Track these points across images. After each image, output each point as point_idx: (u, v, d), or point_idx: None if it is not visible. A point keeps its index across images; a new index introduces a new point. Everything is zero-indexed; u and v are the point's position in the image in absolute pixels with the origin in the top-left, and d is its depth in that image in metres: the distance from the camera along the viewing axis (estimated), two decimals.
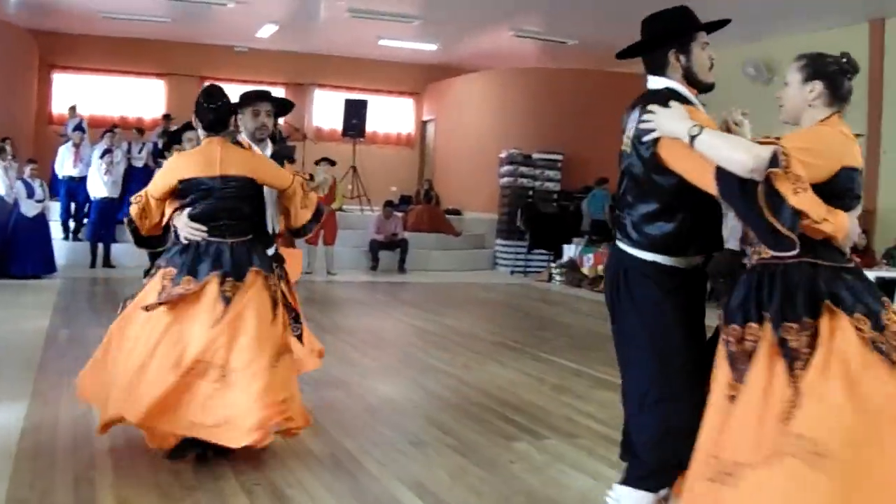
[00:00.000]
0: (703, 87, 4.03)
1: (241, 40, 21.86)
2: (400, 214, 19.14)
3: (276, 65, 22.88)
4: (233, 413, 4.80)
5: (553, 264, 18.31)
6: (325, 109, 24.09)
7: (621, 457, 4.22)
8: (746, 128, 3.94)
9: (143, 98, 22.66)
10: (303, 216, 5.67)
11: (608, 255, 4.19)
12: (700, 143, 3.53)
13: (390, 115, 25.44)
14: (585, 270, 17.19)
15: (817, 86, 3.71)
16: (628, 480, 4.05)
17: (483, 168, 21.02)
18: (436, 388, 7.65)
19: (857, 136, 3.71)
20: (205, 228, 5.22)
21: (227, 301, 5.05)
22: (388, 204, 18.72)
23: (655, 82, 4.01)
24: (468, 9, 17.43)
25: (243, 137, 5.71)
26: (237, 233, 5.32)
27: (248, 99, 5.75)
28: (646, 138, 3.78)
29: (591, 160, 19.72)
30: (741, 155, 3.42)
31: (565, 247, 18.41)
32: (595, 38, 19.00)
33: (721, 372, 3.65)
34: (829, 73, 3.72)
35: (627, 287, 3.92)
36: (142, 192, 5.49)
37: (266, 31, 20.39)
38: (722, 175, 3.49)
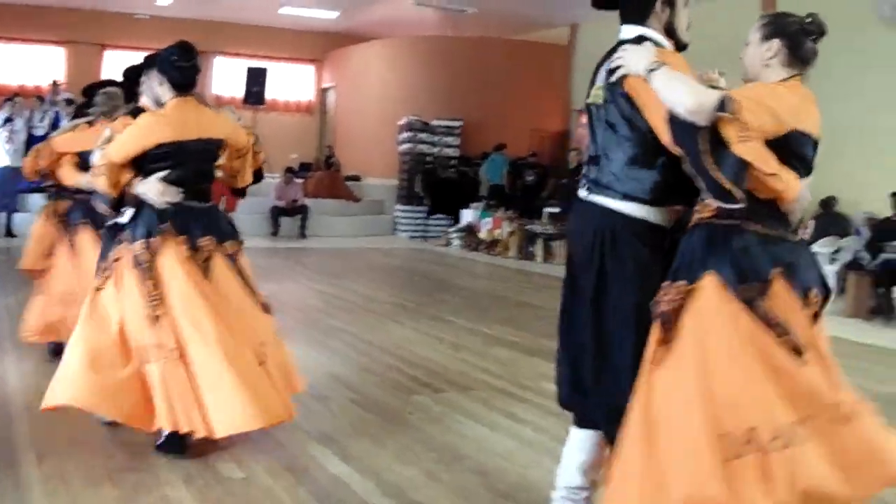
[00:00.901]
0: (680, 45, 3.83)
1: (142, 7, 21.72)
2: (300, 181, 19.25)
3: (177, 32, 22.11)
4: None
5: (451, 229, 18.67)
6: (226, 77, 24.02)
7: (567, 403, 3.98)
8: (722, 86, 3.64)
9: (42, 66, 22.27)
10: (249, 176, 5.54)
11: (580, 214, 3.85)
12: (655, 79, 3.42)
13: (291, 82, 25.52)
14: (483, 235, 17.58)
15: (775, 44, 3.57)
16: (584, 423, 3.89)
17: (383, 135, 21.18)
18: (338, 347, 7.89)
19: None
20: (181, 191, 4.92)
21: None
22: (289, 170, 18.81)
23: (629, 31, 3.78)
24: None
25: (146, 102, 5.38)
26: (209, 197, 5.16)
27: (153, 63, 5.28)
28: (613, 77, 3.62)
29: (490, 127, 20.07)
30: (685, 96, 3.33)
31: (463, 212, 18.77)
32: (495, 6, 19.31)
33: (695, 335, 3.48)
34: (789, 33, 3.57)
35: (615, 249, 3.66)
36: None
37: None
38: (672, 119, 3.39)
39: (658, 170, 3.64)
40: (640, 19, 3.77)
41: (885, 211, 12.75)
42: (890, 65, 14.29)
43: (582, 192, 3.82)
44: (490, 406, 6.13)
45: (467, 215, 18.57)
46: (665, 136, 3.44)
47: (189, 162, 4.96)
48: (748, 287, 3.35)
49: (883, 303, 11.44)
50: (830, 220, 13.99)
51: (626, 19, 3.82)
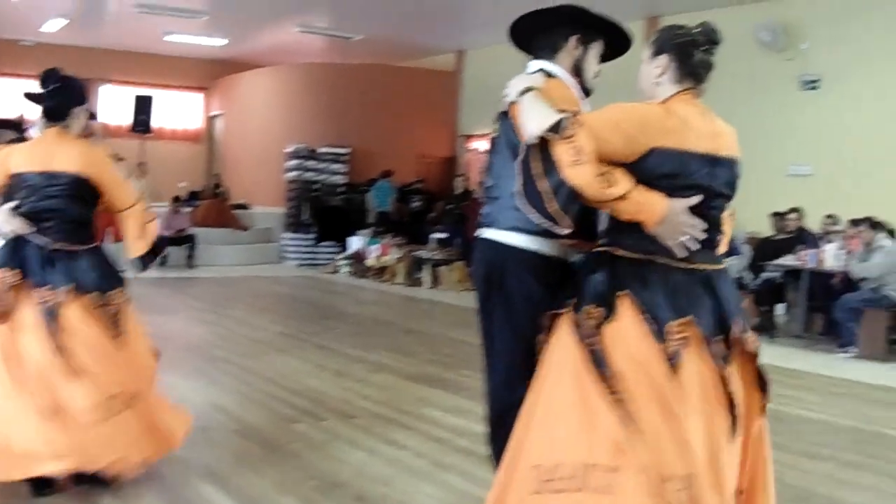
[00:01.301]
0: (585, 90, 3.81)
1: (28, 34, 21.42)
2: (188, 210, 19.08)
3: (63, 59, 22.07)
4: None
5: (339, 256, 18.66)
6: (113, 105, 23.63)
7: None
8: None
9: None
10: (137, 247, 5.12)
11: (477, 250, 3.80)
12: (520, 102, 3.38)
13: (179, 110, 25.36)
14: (370, 261, 17.61)
15: (664, 59, 3.38)
16: None
17: (270, 162, 21.15)
18: (221, 377, 7.87)
19: None
20: (32, 225, 4.71)
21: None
22: (176, 199, 18.67)
23: (533, 65, 3.78)
24: (255, 5, 17.62)
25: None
26: (78, 238, 4.86)
27: None
28: (501, 107, 3.59)
29: (377, 153, 20.22)
30: (533, 120, 3.25)
31: (351, 239, 18.75)
32: (381, 33, 19.59)
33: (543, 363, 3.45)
34: (676, 46, 3.37)
35: (503, 282, 3.62)
36: None
37: (54, 25, 20.06)
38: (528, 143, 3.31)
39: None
40: (551, 53, 3.78)
41: (765, 230, 13.15)
42: (766, 87, 14.81)
43: (481, 230, 3.79)
44: (370, 433, 6.18)
45: (355, 242, 18.57)
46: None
47: (32, 195, 4.77)
48: (585, 312, 3.24)
49: (766, 321, 11.73)
50: None
51: (537, 54, 3.82)
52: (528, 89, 3.39)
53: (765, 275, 12.18)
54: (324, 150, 20.34)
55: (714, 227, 3.33)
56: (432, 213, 19.22)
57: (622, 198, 3.15)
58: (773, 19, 14.86)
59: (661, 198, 3.18)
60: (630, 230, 3.23)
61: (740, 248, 13.46)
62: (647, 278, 3.23)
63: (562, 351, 3.29)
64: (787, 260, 11.95)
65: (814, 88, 14.45)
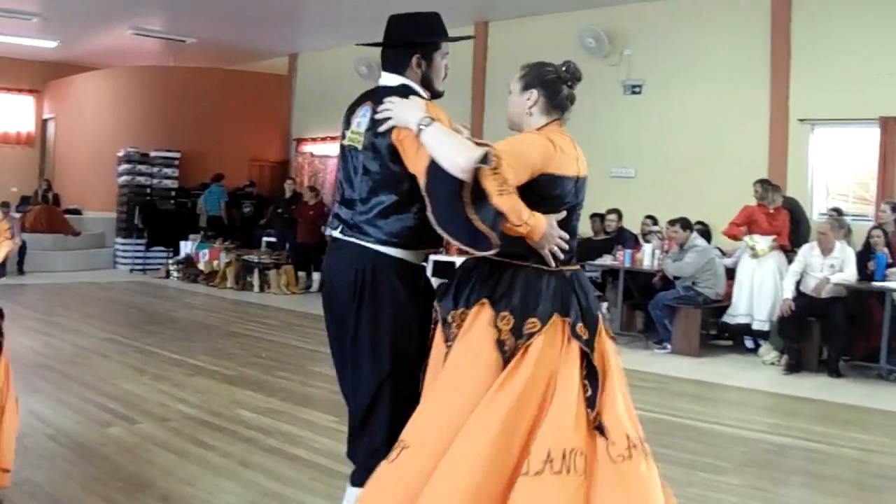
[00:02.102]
0: (435, 94, 4.03)
1: None
2: (18, 215, 18.83)
3: None
4: None
5: (171, 261, 18.67)
6: None
7: (348, 455, 4.07)
8: (466, 136, 3.76)
9: None
10: None
11: (338, 254, 3.96)
12: (426, 135, 3.54)
13: (10, 112, 24.81)
14: (201, 266, 17.73)
15: (534, 94, 3.81)
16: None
17: (102, 167, 20.96)
18: (40, 383, 7.88)
19: None
20: None
21: None
22: (4, 205, 18.41)
23: (390, 79, 3.98)
24: (87, 7, 17.37)
25: None
26: None
27: None
28: (381, 128, 3.73)
29: (209, 157, 20.32)
30: (457, 155, 3.42)
31: (182, 243, 18.80)
32: (214, 36, 19.61)
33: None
34: (547, 81, 3.82)
35: (374, 287, 3.80)
36: None
37: None
38: (433, 169, 3.51)
39: (412, 217, 3.80)
40: (400, 70, 3.99)
41: (587, 231, 13.75)
42: (591, 92, 15.44)
43: (335, 233, 3.96)
44: (181, 435, 6.40)
45: (186, 247, 18.63)
46: (421, 182, 3.59)
47: None
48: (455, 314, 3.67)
49: None
50: None
51: (386, 68, 4.05)
52: (429, 120, 3.60)
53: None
54: (155, 153, 20.28)
55: (573, 236, 3.78)
56: (264, 217, 19.38)
57: (522, 224, 3.53)
58: (597, 26, 15.48)
59: (542, 216, 3.60)
60: (514, 240, 3.59)
61: None
62: (518, 281, 3.67)
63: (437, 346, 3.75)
64: (605, 260, 12.55)
65: (637, 93, 15.14)
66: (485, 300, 3.63)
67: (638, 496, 3.44)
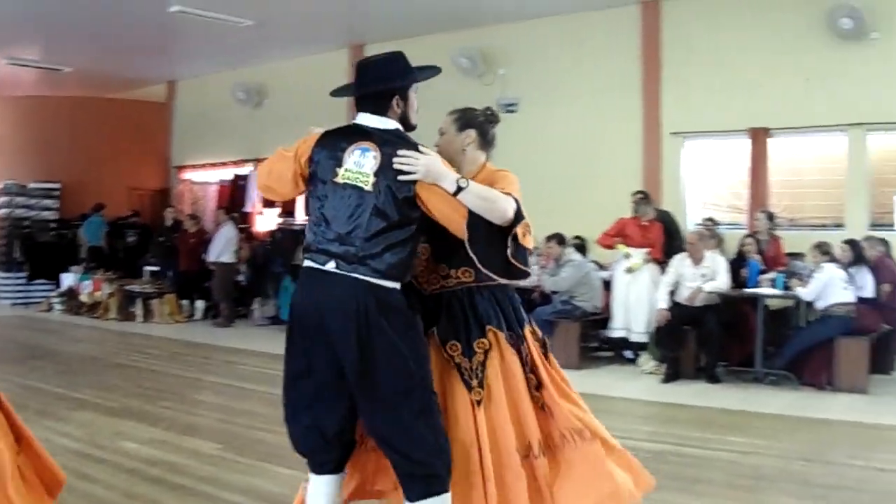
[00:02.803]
0: (409, 128, 4.28)
1: None
2: None
3: None
4: None
5: (53, 293, 18.46)
6: None
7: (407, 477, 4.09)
8: None
9: None
10: None
11: (331, 287, 4.04)
12: (469, 193, 3.90)
13: None
14: (84, 297, 17.54)
15: (472, 133, 4.33)
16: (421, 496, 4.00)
17: None
18: None
19: None
20: None
21: None
22: None
23: (376, 121, 4.15)
24: None
25: None
26: None
27: None
28: (404, 178, 3.94)
29: (89, 187, 20.05)
30: (508, 209, 3.92)
31: (64, 275, 18.59)
32: (91, 66, 19.30)
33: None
34: (479, 123, 4.38)
35: (381, 317, 3.93)
36: None
37: None
38: (474, 222, 3.91)
39: (408, 251, 4.05)
40: (382, 112, 4.19)
41: None
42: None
43: (325, 267, 4.02)
44: (66, 469, 6.25)
45: (68, 279, 18.42)
46: (462, 234, 3.94)
47: None
48: (513, 335, 4.27)
49: None
50: None
51: (369, 110, 4.21)
52: (466, 182, 3.96)
53: None
54: (34, 185, 20.04)
55: None
56: (147, 246, 19.21)
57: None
58: (471, 46, 15.80)
59: None
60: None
61: None
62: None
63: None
64: None
65: (512, 111, 15.42)
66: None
67: None
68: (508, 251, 3.94)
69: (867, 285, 10.65)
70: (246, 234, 18.25)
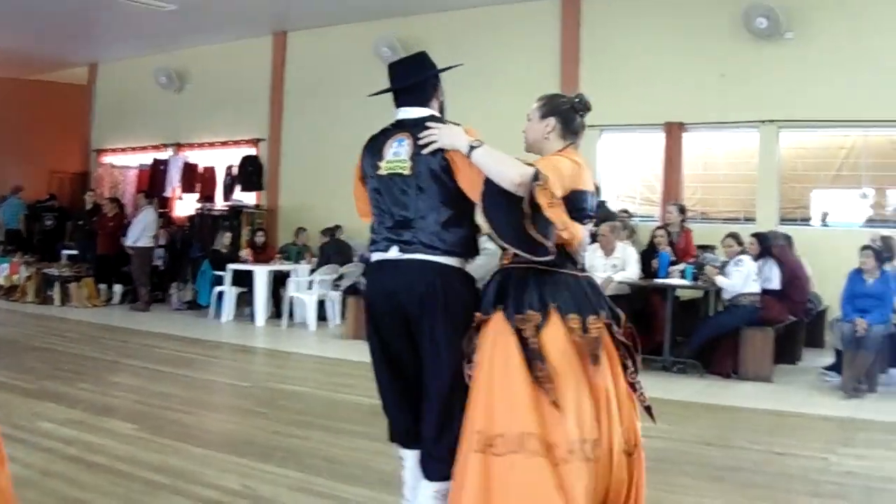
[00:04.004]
0: (444, 116, 4.52)
1: None
2: None
3: None
4: None
5: None
6: None
7: (426, 454, 4.35)
8: None
9: None
10: None
11: (400, 272, 4.26)
12: (479, 154, 4.02)
13: None
14: (1, 280, 17.44)
15: (552, 121, 4.31)
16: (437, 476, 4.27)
17: None
18: None
19: None
20: None
21: None
22: None
23: (416, 112, 4.42)
24: None
25: None
26: None
27: None
28: (426, 150, 4.19)
29: (7, 169, 20.14)
30: (511, 171, 3.91)
31: None
32: (11, 45, 19.34)
33: (483, 355, 4.10)
34: (563, 111, 4.34)
35: (445, 297, 4.16)
36: None
37: None
38: (489, 187, 3.99)
39: (467, 228, 4.26)
40: (425, 102, 4.47)
41: None
42: (389, 102, 15.81)
43: (388, 255, 4.27)
44: None
45: None
46: (477, 199, 4.08)
47: None
48: (522, 318, 4.05)
49: None
50: (334, 247, 15.22)
51: (410, 103, 4.47)
52: (478, 142, 4.10)
53: None
54: None
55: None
56: (65, 229, 19.10)
57: (567, 230, 4.04)
58: (393, 35, 16.01)
59: (578, 225, 4.17)
60: (560, 253, 4.12)
61: (364, 255, 14.47)
62: (564, 287, 4.15)
63: (502, 346, 4.06)
64: None
65: None
66: (552, 306, 4.09)
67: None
68: (525, 220, 3.94)
69: (773, 277, 10.97)
70: (165, 218, 18.26)
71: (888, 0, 12.74)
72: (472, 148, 4.08)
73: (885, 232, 11.51)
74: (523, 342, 4.03)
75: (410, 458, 4.47)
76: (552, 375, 3.97)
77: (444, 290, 4.19)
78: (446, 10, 15.80)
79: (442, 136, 4.20)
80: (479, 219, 4.13)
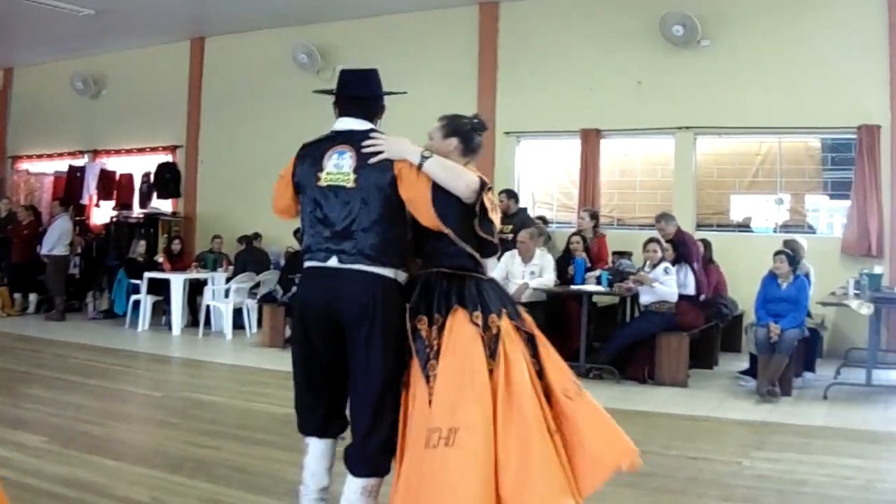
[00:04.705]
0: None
1: None
2: None
3: None
4: None
5: None
6: None
7: (352, 453, 4.51)
8: None
9: None
10: None
11: (342, 280, 4.40)
12: (432, 163, 4.28)
13: None
14: None
15: (454, 141, 4.53)
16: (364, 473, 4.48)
17: None
18: None
19: None
20: None
21: None
22: None
23: (358, 124, 4.55)
24: None
25: None
26: None
27: None
28: (373, 160, 4.33)
29: None
30: (467, 180, 4.25)
31: None
32: None
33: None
34: (464, 132, 4.59)
35: (384, 307, 4.33)
36: None
37: None
38: (437, 194, 4.26)
39: (405, 239, 4.46)
40: (371, 118, 4.61)
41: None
42: (305, 105, 15.87)
43: (328, 263, 4.40)
44: None
45: None
46: (427, 213, 4.30)
47: None
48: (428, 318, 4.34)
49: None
50: (250, 255, 15.18)
51: (356, 114, 4.59)
52: (430, 153, 4.35)
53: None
54: None
55: None
56: None
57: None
58: (310, 42, 16.05)
59: None
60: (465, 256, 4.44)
61: (280, 262, 14.48)
62: (474, 287, 4.43)
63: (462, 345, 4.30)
64: None
65: None
66: (457, 306, 4.33)
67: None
68: (476, 223, 4.34)
69: (689, 283, 11.12)
70: (81, 226, 18.05)
71: (802, 8, 13.05)
72: (424, 158, 4.30)
73: (798, 237, 11.72)
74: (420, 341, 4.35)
75: (316, 445, 4.65)
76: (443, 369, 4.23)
77: (384, 301, 4.34)
78: (363, 16, 15.87)
79: (390, 147, 4.35)
80: (436, 223, 4.32)
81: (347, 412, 4.59)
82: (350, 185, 4.38)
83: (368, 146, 4.37)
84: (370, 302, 4.31)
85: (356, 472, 4.46)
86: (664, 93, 13.77)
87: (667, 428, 8.39)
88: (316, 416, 4.63)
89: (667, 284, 10.70)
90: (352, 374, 4.42)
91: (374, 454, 4.40)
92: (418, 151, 4.33)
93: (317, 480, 4.65)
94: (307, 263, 4.53)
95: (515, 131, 14.78)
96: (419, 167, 4.28)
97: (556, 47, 14.51)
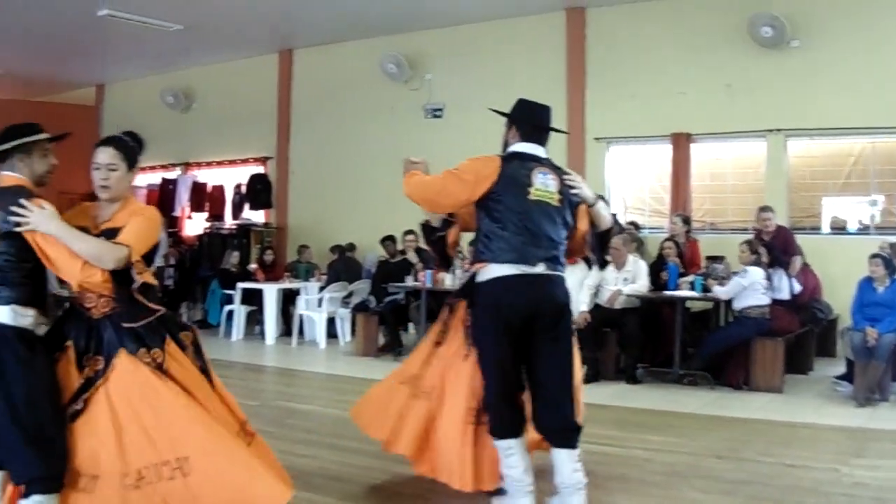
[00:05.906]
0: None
1: None
2: None
3: None
4: None
5: None
6: None
7: (561, 423, 5.27)
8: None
9: None
10: None
11: (545, 284, 5.16)
12: (601, 207, 5.48)
13: None
14: None
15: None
16: None
17: None
18: None
19: None
20: None
21: None
22: None
23: (543, 151, 5.39)
24: None
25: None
26: None
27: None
28: (574, 190, 5.29)
29: None
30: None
31: None
32: (19, 68, 19.61)
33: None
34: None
35: (568, 304, 5.36)
36: None
37: None
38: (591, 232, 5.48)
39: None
40: (545, 145, 5.39)
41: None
42: (395, 114, 15.95)
43: (537, 269, 5.08)
44: None
45: None
46: (583, 242, 5.52)
47: None
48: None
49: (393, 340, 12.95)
50: (343, 265, 15.19)
51: (541, 143, 5.37)
52: (598, 196, 5.54)
53: (388, 298, 13.10)
54: None
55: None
56: None
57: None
58: (399, 52, 16.05)
59: None
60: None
61: (372, 272, 14.43)
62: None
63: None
64: (408, 281, 12.82)
65: (438, 117, 15.71)
66: None
67: None
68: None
69: (784, 287, 10.90)
70: (174, 238, 18.25)
71: (891, 6, 12.70)
72: (599, 198, 5.49)
73: (893, 239, 11.44)
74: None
75: (520, 442, 5.21)
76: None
77: (568, 300, 5.27)
78: (451, 25, 15.81)
79: (583, 187, 5.37)
80: (584, 249, 5.67)
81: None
82: (555, 203, 5.18)
83: (570, 179, 5.29)
84: (567, 302, 5.24)
85: (574, 445, 5.16)
86: (754, 95, 13.51)
87: (763, 435, 8.18)
88: (517, 414, 5.23)
89: (728, 284, 10.61)
90: (548, 363, 5.13)
91: (577, 424, 5.25)
92: (595, 195, 5.46)
93: (531, 472, 5.22)
94: (505, 267, 5.07)
95: (605, 137, 14.62)
96: (591, 205, 5.40)
97: (644, 51, 14.33)
